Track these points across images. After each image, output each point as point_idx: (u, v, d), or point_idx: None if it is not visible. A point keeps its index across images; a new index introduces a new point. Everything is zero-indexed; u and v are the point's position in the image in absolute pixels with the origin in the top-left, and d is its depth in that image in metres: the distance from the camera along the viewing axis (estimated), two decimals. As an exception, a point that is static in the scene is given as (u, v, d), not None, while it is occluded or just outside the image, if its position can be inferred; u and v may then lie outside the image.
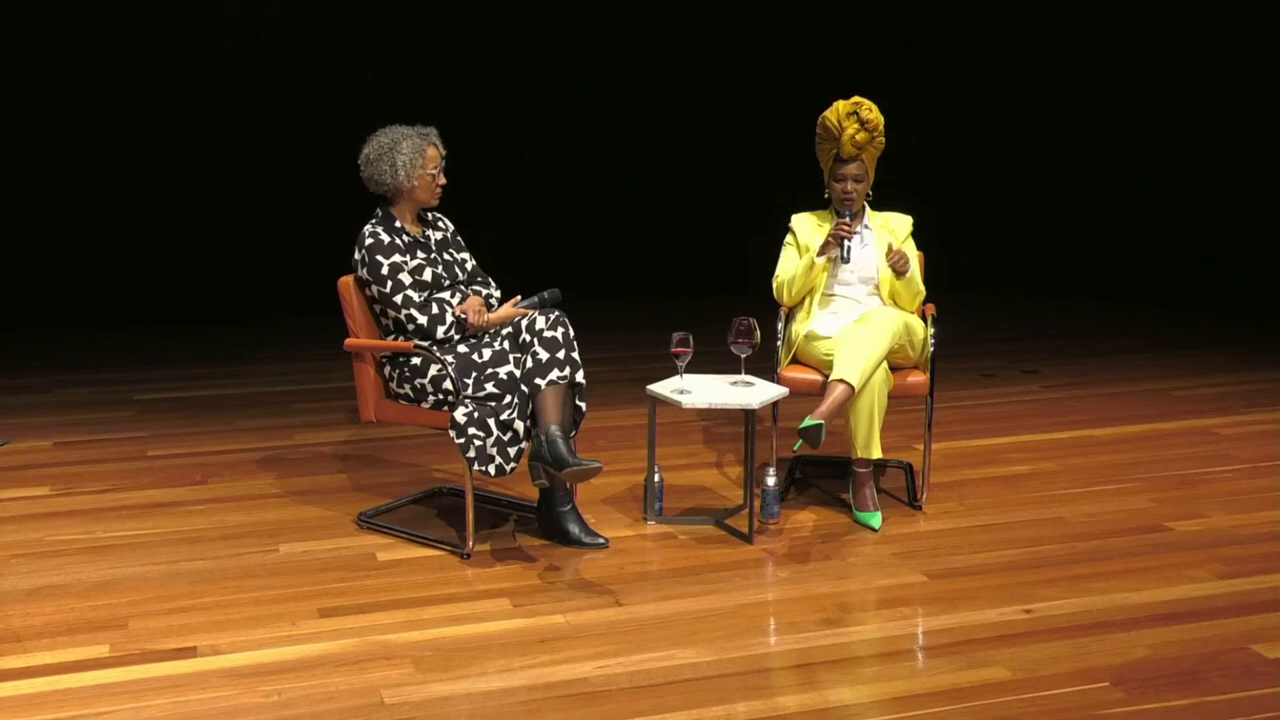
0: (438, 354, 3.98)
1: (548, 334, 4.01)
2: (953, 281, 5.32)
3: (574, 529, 4.13)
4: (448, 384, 3.98)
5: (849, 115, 4.37)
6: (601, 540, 4.13)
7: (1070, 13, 9.02)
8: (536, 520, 4.23)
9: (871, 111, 4.39)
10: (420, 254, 4.16)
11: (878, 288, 4.51)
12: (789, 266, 4.54)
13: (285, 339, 7.25)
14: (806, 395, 4.38)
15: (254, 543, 4.15)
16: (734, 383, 4.30)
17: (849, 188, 4.43)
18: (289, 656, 3.35)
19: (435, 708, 3.10)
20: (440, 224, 4.36)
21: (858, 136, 4.37)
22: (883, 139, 4.44)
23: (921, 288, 4.50)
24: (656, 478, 4.35)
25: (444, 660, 3.34)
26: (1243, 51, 9.02)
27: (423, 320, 4.06)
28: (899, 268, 4.39)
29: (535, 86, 8.26)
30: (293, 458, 5.06)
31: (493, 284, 4.37)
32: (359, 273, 4.14)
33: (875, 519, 4.32)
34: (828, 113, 4.41)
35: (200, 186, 7.78)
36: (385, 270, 4.06)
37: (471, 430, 3.89)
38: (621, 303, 8.09)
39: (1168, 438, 5.40)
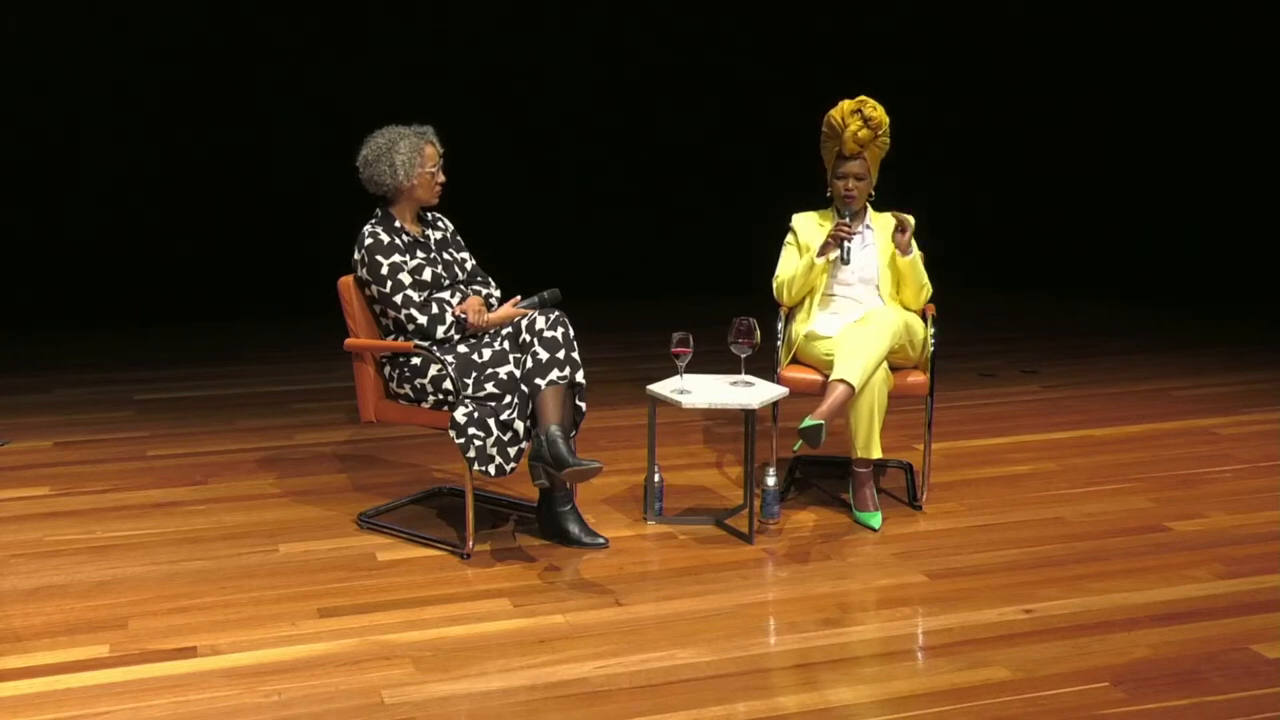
0: (437, 354, 3.98)
1: (548, 334, 4.00)
2: (953, 282, 5.30)
3: (574, 529, 4.13)
4: (448, 384, 3.98)
5: (853, 113, 4.37)
6: (601, 540, 4.13)
7: (1070, 14, 9.01)
8: (536, 520, 4.23)
9: (876, 110, 4.38)
10: (420, 254, 4.16)
11: (878, 288, 4.51)
12: (789, 266, 4.53)
13: (285, 339, 7.24)
14: (806, 395, 4.38)
15: (254, 543, 4.15)
16: (734, 383, 4.29)
17: (850, 186, 4.42)
18: (289, 656, 3.35)
19: (435, 708, 3.10)
20: (440, 224, 4.36)
21: (860, 134, 4.37)
22: (887, 139, 4.44)
23: (926, 281, 4.47)
24: (656, 478, 4.34)
25: (444, 660, 3.34)
26: (1242, 51, 9.01)
27: (422, 320, 4.06)
28: (901, 247, 4.39)
29: (537, 85, 8.26)
30: (293, 458, 5.06)
31: (492, 284, 4.37)
32: (358, 273, 4.14)
33: (875, 519, 4.32)
34: (832, 110, 4.42)
35: (201, 186, 7.78)
36: (385, 270, 4.06)
37: (471, 430, 3.89)
38: (621, 303, 8.08)
39: (1168, 438, 5.40)
